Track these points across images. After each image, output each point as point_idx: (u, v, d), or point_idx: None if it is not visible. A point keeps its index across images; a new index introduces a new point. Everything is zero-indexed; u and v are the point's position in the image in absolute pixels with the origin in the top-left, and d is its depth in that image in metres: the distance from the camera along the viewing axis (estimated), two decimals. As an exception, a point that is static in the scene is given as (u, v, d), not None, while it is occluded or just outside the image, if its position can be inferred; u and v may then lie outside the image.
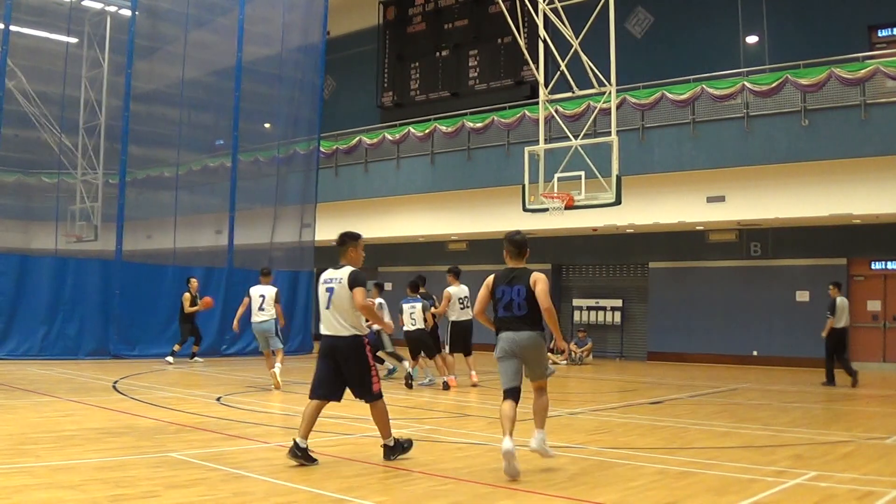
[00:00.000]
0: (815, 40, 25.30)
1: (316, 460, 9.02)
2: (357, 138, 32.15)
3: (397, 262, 35.44)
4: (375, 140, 31.43)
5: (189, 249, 26.42)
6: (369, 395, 9.28)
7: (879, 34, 25.62)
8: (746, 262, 27.45)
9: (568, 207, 20.05)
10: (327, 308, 9.29)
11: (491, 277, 9.41)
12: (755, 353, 26.63)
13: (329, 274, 9.44)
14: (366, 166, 31.97)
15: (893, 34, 25.43)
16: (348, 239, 9.59)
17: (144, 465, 8.71)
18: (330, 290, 9.28)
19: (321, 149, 30.61)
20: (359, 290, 9.15)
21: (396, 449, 9.35)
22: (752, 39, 27.34)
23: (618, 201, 19.60)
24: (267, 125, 30.40)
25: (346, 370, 9.25)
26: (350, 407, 14.68)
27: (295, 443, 8.94)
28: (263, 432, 11.33)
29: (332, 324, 9.27)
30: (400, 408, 15.33)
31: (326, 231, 30.44)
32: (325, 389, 9.29)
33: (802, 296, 25.37)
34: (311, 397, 9.32)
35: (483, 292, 9.44)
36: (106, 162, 28.22)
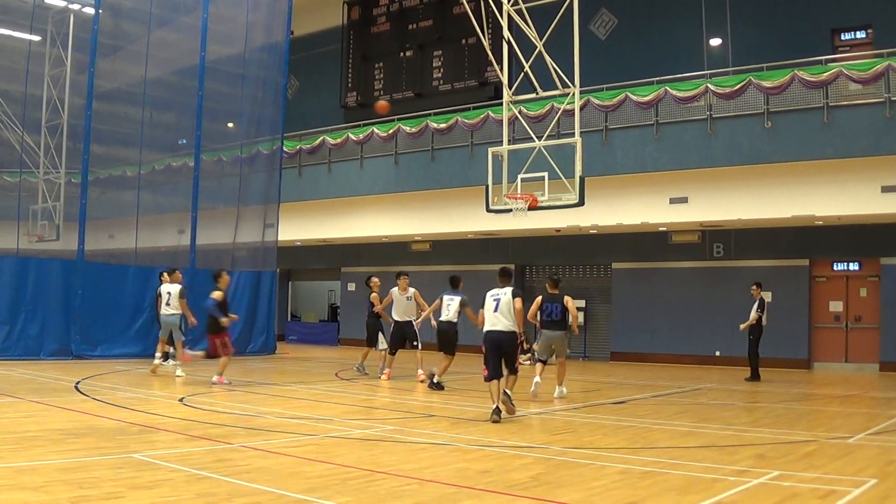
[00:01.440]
0: (779, 43, 25.44)
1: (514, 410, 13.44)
2: (320, 138, 32.01)
3: (360, 263, 35.35)
4: (339, 140, 31.29)
5: (151, 249, 26.17)
6: (512, 369, 13.44)
7: (842, 37, 25.73)
8: (709, 262, 27.53)
9: (531, 208, 20.04)
10: (495, 311, 13.17)
11: (539, 298, 16.32)
12: (718, 353, 26.72)
13: (495, 291, 13.47)
14: (329, 166, 31.87)
15: (856, 37, 25.56)
16: (512, 273, 13.85)
17: (107, 467, 8.65)
18: (497, 300, 13.26)
19: (284, 149, 30.48)
20: (519, 300, 13.22)
21: (509, 399, 13.33)
22: (715, 42, 27.39)
23: (581, 202, 19.61)
24: (230, 125, 30.18)
25: (506, 355, 13.19)
26: (313, 408, 14.70)
27: (495, 409, 12.75)
28: (226, 433, 11.25)
29: (500, 322, 13.10)
30: (363, 408, 15.33)
31: (289, 231, 30.41)
32: (498, 371, 12.97)
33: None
34: (489, 379, 13.01)
35: (535, 306, 16.18)
36: (68, 161, 28.07)
